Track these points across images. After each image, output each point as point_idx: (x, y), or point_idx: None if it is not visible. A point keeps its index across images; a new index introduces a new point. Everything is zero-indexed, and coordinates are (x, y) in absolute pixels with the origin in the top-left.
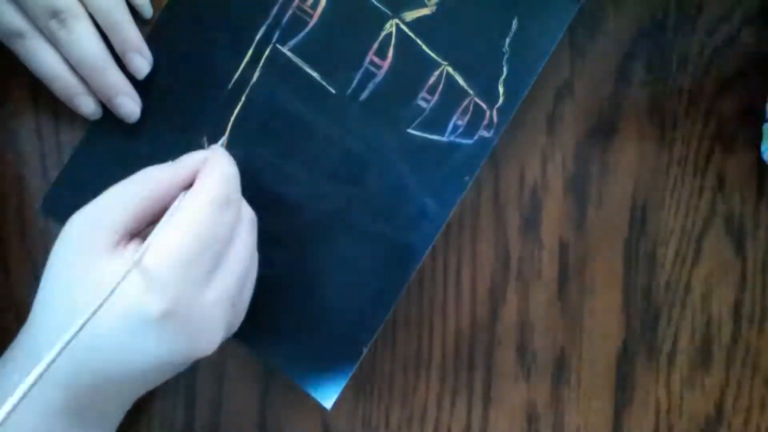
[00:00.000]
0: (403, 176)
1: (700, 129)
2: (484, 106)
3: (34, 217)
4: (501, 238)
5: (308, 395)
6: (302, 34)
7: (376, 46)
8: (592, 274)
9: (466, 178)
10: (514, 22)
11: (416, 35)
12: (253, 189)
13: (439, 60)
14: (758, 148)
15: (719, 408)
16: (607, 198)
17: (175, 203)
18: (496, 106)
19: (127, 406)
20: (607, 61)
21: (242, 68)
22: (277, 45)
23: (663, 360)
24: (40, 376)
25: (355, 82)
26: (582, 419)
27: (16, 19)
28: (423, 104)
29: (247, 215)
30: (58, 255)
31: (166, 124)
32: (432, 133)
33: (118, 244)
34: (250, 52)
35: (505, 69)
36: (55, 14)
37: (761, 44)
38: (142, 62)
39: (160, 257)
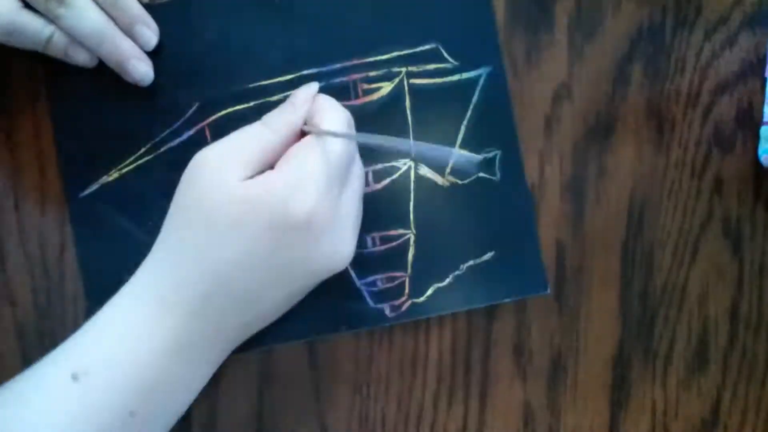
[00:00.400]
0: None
1: (697, 131)
2: (407, 290)
3: (30, 211)
4: None
5: (306, 395)
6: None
7: (380, 166)
8: (589, 276)
9: (343, 327)
10: (488, 255)
11: (415, 190)
12: None
13: (411, 224)
14: (756, 150)
15: (715, 410)
16: (604, 199)
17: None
18: (414, 300)
19: (243, 338)
20: (605, 63)
21: (273, 82)
22: None
23: (659, 362)
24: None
25: None
26: (578, 420)
27: (36, 21)
28: (369, 243)
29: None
30: (193, 181)
31: (172, 67)
32: (354, 269)
33: (251, 177)
34: (290, 77)
35: (447, 280)
36: None
37: (759, 47)
38: (149, 34)
39: (304, 163)
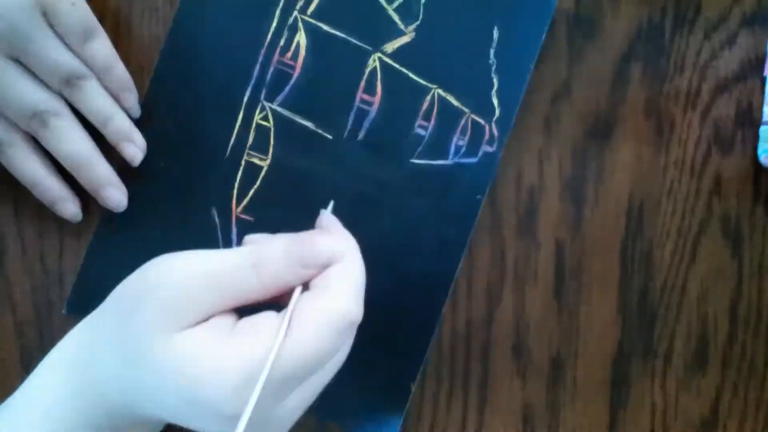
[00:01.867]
0: (416, 208)
1: (697, 131)
2: (482, 121)
3: (29, 212)
4: (497, 239)
5: None
6: (288, 87)
7: (363, 83)
8: (589, 275)
9: (478, 196)
10: (495, 32)
11: (401, 65)
12: None
13: (428, 85)
14: (755, 150)
15: (714, 410)
16: (603, 199)
17: (293, 303)
18: (494, 119)
19: None
20: (604, 62)
21: (236, 133)
22: (265, 103)
23: (659, 361)
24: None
25: (349, 123)
26: (578, 420)
27: (36, 97)
28: (421, 132)
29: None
30: (129, 311)
31: (173, 203)
32: (436, 158)
33: (204, 319)
34: (240, 115)
35: (495, 80)
36: (36, 115)
37: (758, 46)
38: (135, 150)
39: (238, 368)
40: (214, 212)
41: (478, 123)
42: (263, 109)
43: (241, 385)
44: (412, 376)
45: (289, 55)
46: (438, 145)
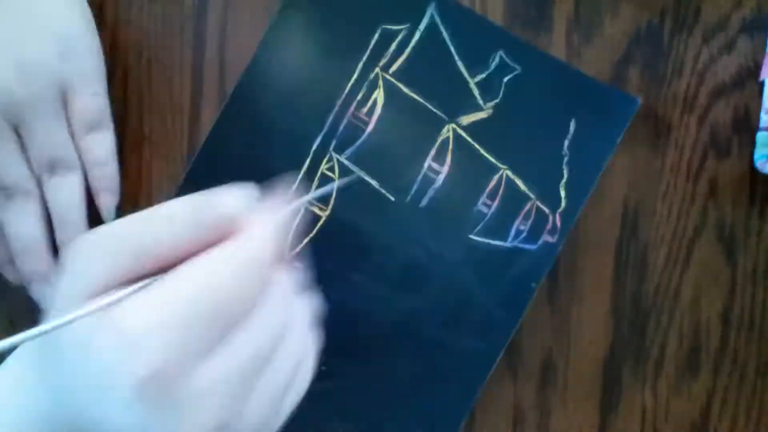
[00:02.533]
0: (467, 283)
1: (693, 135)
2: (546, 210)
3: None
4: None
5: None
6: (359, 141)
7: (433, 151)
8: (582, 278)
9: (533, 284)
10: (572, 124)
11: (474, 139)
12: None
13: (498, 164)
14: (751, 155)
15: (705, 414)
16: (599, 202)
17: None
18: (559, 211)
19: None
20: (602, 65)
21: (300, 179)
22: (334, 153)
23: (650, 365)
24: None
25: (414, 188)
26: (568, 422)
27: (13, 172)
28: (484, 209)
29: (305, 299)
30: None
31: None
32: (495, 238)
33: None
34: (307, 162)
35: (565, 172)
36: (3, 188)
37: (757, 52)
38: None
39: (143, 316)
40: None
41: (542, 211)
42: (330, 159)
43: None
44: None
45: (365, 110)
46: (498, 226)
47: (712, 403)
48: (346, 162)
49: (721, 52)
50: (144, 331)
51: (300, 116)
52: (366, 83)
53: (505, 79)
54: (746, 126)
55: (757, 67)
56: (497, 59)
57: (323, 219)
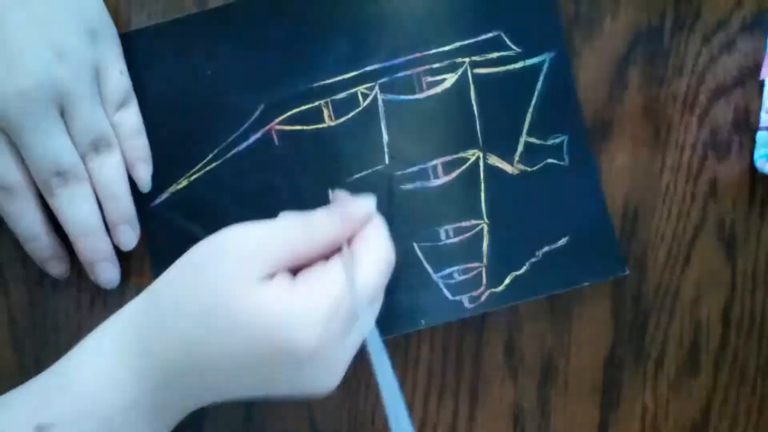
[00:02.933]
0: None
1: (693, 135)
2: (484, 280)
3: None
4: None
5: None
6: (404, 98)
7: (449, 158)
8: None
9: (423, 321)
10: (563, 240)
11: (485, 179)
12: None
13: (484, 214)
14: (751, 155)
15: (706, 414)
16: None
17: (346, 251)
18: (492, 290)
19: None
20: (602, 64)
21: (336, 80)
22: (378, 87)
23: (650, 365)
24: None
25: (409, 170)
26: (568, 422)
27: (10, 173)
28: (442, 236)
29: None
30: (203, 271)
31: (236, 71)
32: (429, 263)
33: (271, 277)
34: (353, 74)
35: (524, 268)
36: (59, 173)
37: (757, 52)
38: (131, 235)
39: (328, 297)
40: (260, 107)
41: (480, 279)
42: (372, 88)
43: (327, 318)
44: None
45: (430, 79)
46: (440, 258)
47: (713, 403)
48: (380, 102)
49: (722, 51)
50: (314, 320)
51: (379, 32)
52: (449, 61)
53: (549, 161)
54: (746, 126)
55: (757, 67)
56: (558, 140)
57: (324, 125)
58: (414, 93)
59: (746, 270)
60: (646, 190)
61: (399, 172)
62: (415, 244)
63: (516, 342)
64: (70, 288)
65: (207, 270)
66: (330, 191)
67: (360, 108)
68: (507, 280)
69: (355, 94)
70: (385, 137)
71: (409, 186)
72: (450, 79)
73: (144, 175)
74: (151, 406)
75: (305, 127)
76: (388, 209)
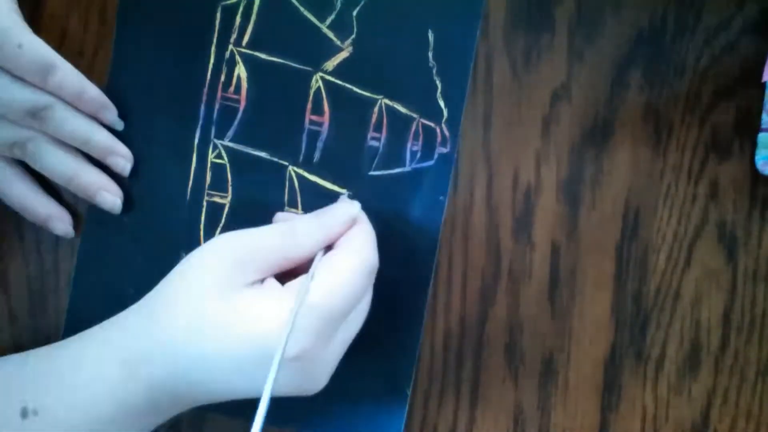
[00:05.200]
0: (382, 218)
1: (695, 136)
2: (432, 124)
3: None
4: (493, 239)
5: None
6: (236, 121)
7: (310, 105)
8: (583, 278)
9: (441, 197)
10: (430, 35)
11: (343, 81)
12: None
13: (373, 96)
14: (752, 157)
15: (705, 415)
16: (600, 202)
17: (318, 258)
18: (443, 121)
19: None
20: (604, 65)
21: (192, 176)
22: (216, 140)
23: (651, 365)
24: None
25: (303, 146)
26: (568, 422)
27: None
28: (375, 144)
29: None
30: (197, 275)
31: (141, 251)
32: (393, 167)
33: (261, 282)
34: (194, 157)
35: (438, 82)
36: (14, 144)
37: (759, 53)
38: (122, 162)
39: (310, 308)
40: (183, 256)
41: (428, 126)
42: (215, 147)
43: (314, 323)
44: (406, 382)
45: (231, 89)
46: (393, 154)
47: (713, 404)
48: (230, 145)
49: (723, 53)
50: (303, 325)
51: (173, 115)
52: (224, 63)
53: (354, 13)
54: (747, 127)
55: (759, 68)
56: None
57: (227, 206)
58: (237, 110)
59: (747, 271)
60: (647, 191)
61: (301, 158)
62: (371, 173)
63: (516, 342)
64: (71, 289)
65: (198, 278)
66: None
67: (227, 167)
68: (441, 103)
69: (214, 165)
70: (264, 155)
71: (317, 155)
72: (239, 70)
73: (112, 119)
74: (140, 406)
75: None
76: (328, 181)
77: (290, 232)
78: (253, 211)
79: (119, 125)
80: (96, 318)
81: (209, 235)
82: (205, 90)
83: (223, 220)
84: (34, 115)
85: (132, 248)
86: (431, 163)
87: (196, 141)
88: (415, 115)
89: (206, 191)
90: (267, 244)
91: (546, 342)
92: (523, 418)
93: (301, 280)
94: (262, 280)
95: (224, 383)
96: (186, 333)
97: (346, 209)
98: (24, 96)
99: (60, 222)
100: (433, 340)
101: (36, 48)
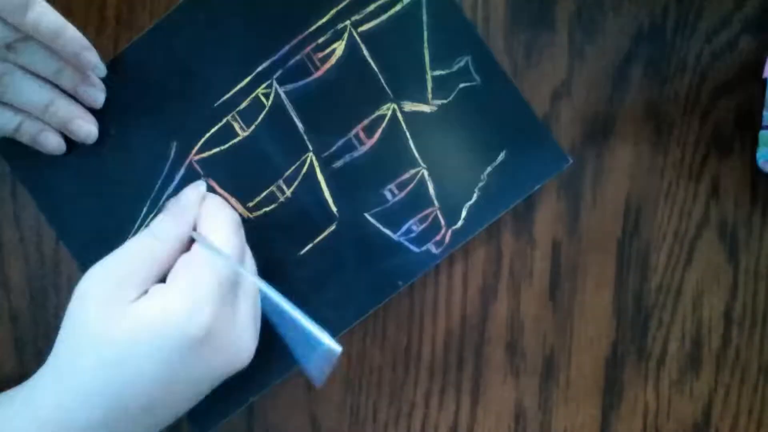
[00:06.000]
0: (344, 254)
1: (696, 134)
2: (443, 222)
3: (27, 198)
4: (494, 237)
5: (296, 388)
6: (303, 82)
7: (367, 122)
8: (584, 276)
9: (400, 282)
10: (502, 155)
11: (408, 128)
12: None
13: (419, 160)
14: (754, 154)
15: (707, 413)
16: (601, 200)
17: (196, 234)
18: (453, 228)
19: (161, 427)
20: (605, 63)
21: (234, 92)
22: (275, 83)
23: (652, 363)
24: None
25: (334, 147)
26: (569, 420)
27: None
28: (389, 196)
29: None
30: (83, 312)
31: (144, 119)
32: (386, 226)
33: (145, 293)
34: (247, 80)
35: (475, 196)
36: None
37: (760, 51)
38: (94, 92)
39: (198, 281)
40: (173, 145)
41: (439, 221)
42: (270, 86)
43: (207, 297)
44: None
45: (320, 55)
46: (394, 217)
47: (714, 402)
48: (283, 96)
49: (724, 50)
50: (197, 305)
51: (257, 32)
52: (332, 30)
53: (461, 85)
54: (748, 125)
55: (760, 66)
56: (462, 63)
57: (239, 138)
58: (311, 74)
59: (748, 269)
60: (648, 189)
61: (325, 154)
62: (366, 215)
63: (517, 340)
64: (72, 285)
65: (84, 317)
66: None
67: (266, 109)
68: (463, 213)
69: (257, 98)
70: (300, 126)
71: (339, 163)
72: (339, 47)
73: (93, 61)
74: None
75: (222, 147)
76: (329, 192)
77: (150, 236)
78: (255, 161)
79: (102, 70)
80: (93, 243)
81: (206, 146)
82: (300, 36)
83: (226, 146)
84: (10, 47)
85: (141, 108)
86: (417, 250)
87: (260, 68)
88: (436, 203)
89: (233, 113)
90: (135, 255)
91: (547, 340)
92: (525, 416)
93: (179, 262)
94: (146, 291)
95: (160, 401)
96: (95, 371)
97: (192, 192)
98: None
99: (85, 122)
100: (434, 338)
101: None
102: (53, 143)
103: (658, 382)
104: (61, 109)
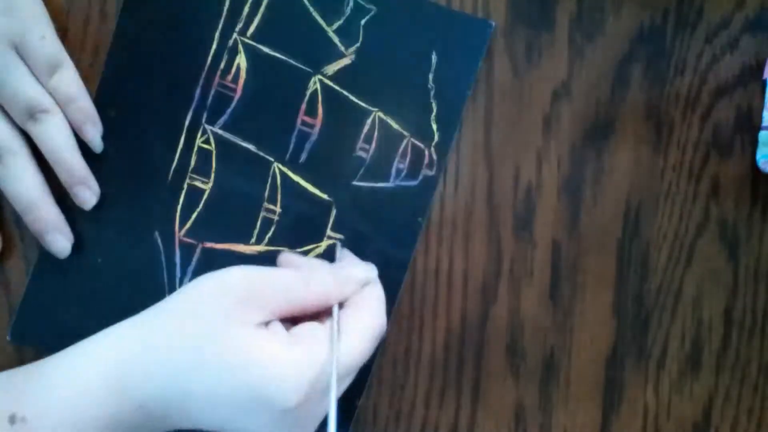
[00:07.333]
0: (358, 227)
1: (696, 134)
2: (421, 145)
3: None
4: (494, 237)
5: None
6: (229, 110)
7: (304, 105)
8: (584, 276)
9: (419, 219)
10: (433, 57)
11: (341, 87)
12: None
13: (369, 108)
14: (754, 154)
15: (707, 414)
16: (601, 200)
17: (336, 312)
18: (433, 144)
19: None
20: (605, 63)
21: (178, 157)
22: (207, 126)
23: (652, 364)
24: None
25: (291, 145)
26: (569, 420)
27: None
28: (363, 154)
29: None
30: (204, 304)
31: (115, 227)
32: (377, 180)
33: (266, 324)
34: (182, 139)
35: (434, 106)
36: None
37: (760, 52)
38: (88, 195)
39: (314, 368)
40: (157, 236)
41: (417, 147)
42: (204, 132)
43: (312, 382)
44: (358, 393)
45: (229, 77)
46: (379, 168)
47: (714, 403)
48: (220, 132)
49: (724, 51)
50: (303, 381)
51: (168, 95)
52: (226, 51)
53: (362, 22)
54: (749, 125)
55: (760, 66)
56: (351, 3)
57: (207, 192)
58: (232, 99)
59: (748, 269)
60: (648, 190)
61: (287, 155)
62: (354, 182)
63: (518, 341)
64: None
65: (206, 304)
66: (338, 245)
67: (213, 153)
68: (434, 126)
69: (200, 149)
70: (252, 147)
71: (303, 155)
72: (240, 60)
73: (93, 137)
74: (126, 425)
75: (198, 210)
76: (311, 184)
77: (304, 279)
78: (232, 201)
79: (98, 147)
80: (59, 290)
81: (185, 218)
82: (204, 74)
83: (201, 206)
84: (32, 116)
85: (108, 219)
86: (415, 183)
87: (187, 122)
88: (406, 134)
89: (189, 174)
90: (279, 285)
91: (547, 341)
92: (525, 416)
93: (312, 329)
94: (267, 323)
95: (213, 415)
96: (185, 363)
97: (365, 272)
98: (33, 92)
99: (61, 237)
100: (434, 339)
101: (54, 43)
102: (58, 245)
103: (658, 382)
104: (44, 214)
